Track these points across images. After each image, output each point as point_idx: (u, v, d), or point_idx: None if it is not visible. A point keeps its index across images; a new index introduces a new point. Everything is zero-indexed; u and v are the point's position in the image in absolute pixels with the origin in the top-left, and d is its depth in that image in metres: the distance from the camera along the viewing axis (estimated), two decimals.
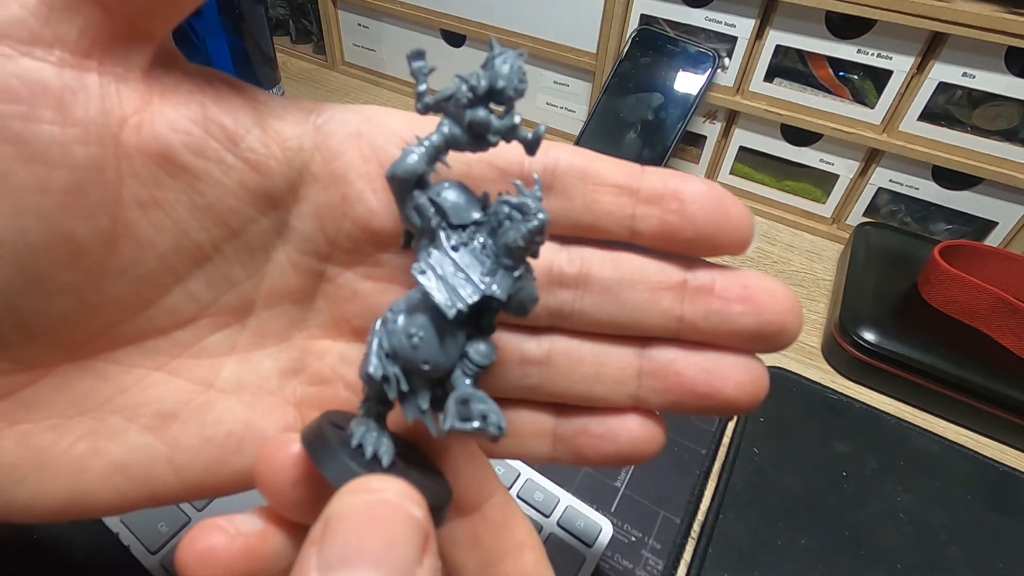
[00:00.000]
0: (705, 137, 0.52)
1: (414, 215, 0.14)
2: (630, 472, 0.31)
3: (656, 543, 0.29)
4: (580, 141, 0.51)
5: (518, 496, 0.28)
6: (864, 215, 0.49)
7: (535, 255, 0.14)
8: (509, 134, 0.13)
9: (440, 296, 0.13)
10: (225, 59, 0.56)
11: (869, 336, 0.36)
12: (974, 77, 0.40)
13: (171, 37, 0.15)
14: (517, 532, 0.16)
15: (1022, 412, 0.34)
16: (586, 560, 0.26)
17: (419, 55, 0.14)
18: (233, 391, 0.16)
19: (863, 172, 0.47)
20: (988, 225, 0.45)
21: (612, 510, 0.30)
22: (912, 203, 0.47)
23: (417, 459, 0.15)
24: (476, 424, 0.13)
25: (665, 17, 0.48)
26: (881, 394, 0.38)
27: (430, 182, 0.14)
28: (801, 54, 0.45)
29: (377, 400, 0.14)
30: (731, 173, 0.52)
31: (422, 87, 0.14)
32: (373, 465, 0.13)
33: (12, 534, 0.26)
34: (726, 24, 0.46)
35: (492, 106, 0.13)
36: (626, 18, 0.50)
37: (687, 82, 0.48)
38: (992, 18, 0.37)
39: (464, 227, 0.14)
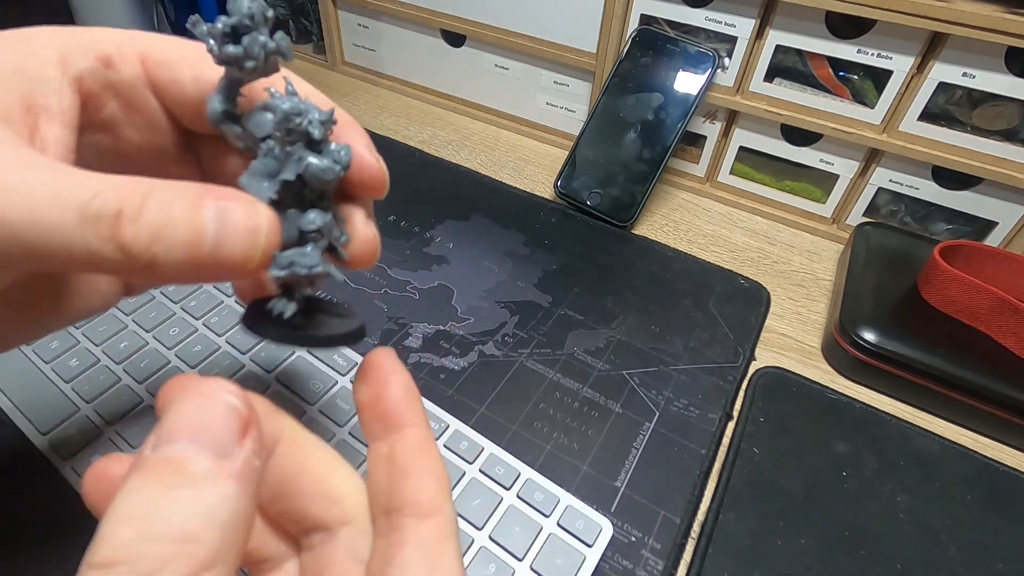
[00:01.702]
0: (705, 137, 0.52)
1: (236, 142, 0.18)
2: (630, 472, 0.31)
3: (656, 543, 0.29)
4: (580, 141, 0.51)
5: (518, 496, 0.28)
6: (864, 215, 0.49)
7: (298, 136, 0.17)
8: (251, 55, 0.16)
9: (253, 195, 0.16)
10: None
11: (869, 336, 0.36)
12: (974, 77, 0.40)
13: None
14: (427, 461, 0.17)
15: (1022, 412, 0.34)
16: (586, 560, 0.26)
17: (195, 24, 0.17)
18: None
19: (863, 172, 0.47)
20: (988, 225, 0.45)
21: (612, 510, 0.30)
22: (912, 203, 0.47)
23: (335, 315, 0.20)
24: (284, 272, 0.17)
25: (665, 17, 0.48)
26: (881, 394, 0.38)
27: (239, 113, 0.18)
28: (801, 54, 0.45)
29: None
30: (731, 173, 0.52)
31: (209, 45, 0.16)
32: (279, 321, 0.18)
33: (11, 532, 0.26)
34: (726, 24, 0.46)
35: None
36: (626, 18, 0.50)
37: (687, 82, 0.48)
38: (992, 18, 0.37)
39: (265, 137, 0.17)
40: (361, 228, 0.19)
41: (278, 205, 0.17)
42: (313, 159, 0.17)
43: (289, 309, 0.18)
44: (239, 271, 0.15)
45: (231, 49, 0.16)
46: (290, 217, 0.17)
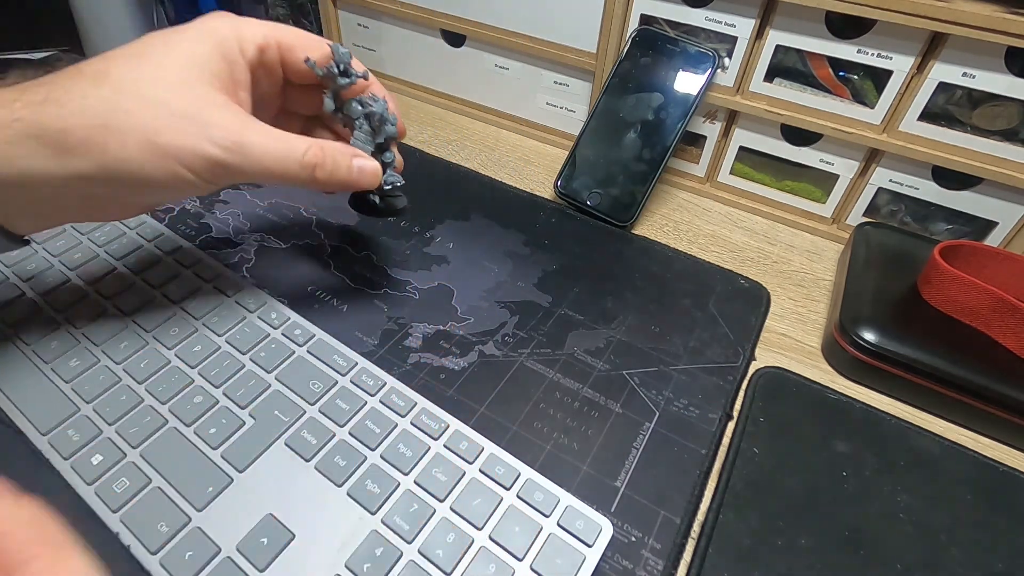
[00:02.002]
0: (705, 137, 0.52)
1: (341, 123, 0.34)
2: (630, 472, 0.31)
3: (656, 543, 0.29)
4: (580, 141, 0.51)
5: (518, 496, 0.28)
6: (864, 215, 0.49)
7: (382, 120, 0.32)
8: (353, 83, 0.32)
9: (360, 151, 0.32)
10: None
11: (869, 336, 0.36)
12: (974, 77, 0.40)
13: None
14: None
15: (1022, 412, 0.34)
16: (586, 560, 0.26)
17: (307, 61, 0.32)
18: None
19: (863, 172, 0.47)
20: (988, 225, 0.45)
21: (612, 510, 0.30)
22: (912, 203, 0.47)
23: (394, 198, 0.35)
24: (390, 185, 0.34)
25: (665, 17, 0.48)
26: (881, 394, 0.38)
27: (340, 106, 0.33)
28: (801, 54, 0.45)
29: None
30: (731, 173, 0.52)
31: (319, 74, 0.32)
32: (372, 206, 0.35)
33: None
34: (726, 24, 0.46)
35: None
36: (626, 18, 0.50)
37: (687, 82, 0.48)
38: (992, 18, 0.37)
39: (359, 118, 0.32)
40: (398, 155, 0.34)
41: (374, 154, 0.33)
42: (388, 127, 0.32)
43: (378, 199, 0.34)
44: (366, 188, 0.32)
45: (342, 80, 0.31)
46: (378, 157, 0.33)
